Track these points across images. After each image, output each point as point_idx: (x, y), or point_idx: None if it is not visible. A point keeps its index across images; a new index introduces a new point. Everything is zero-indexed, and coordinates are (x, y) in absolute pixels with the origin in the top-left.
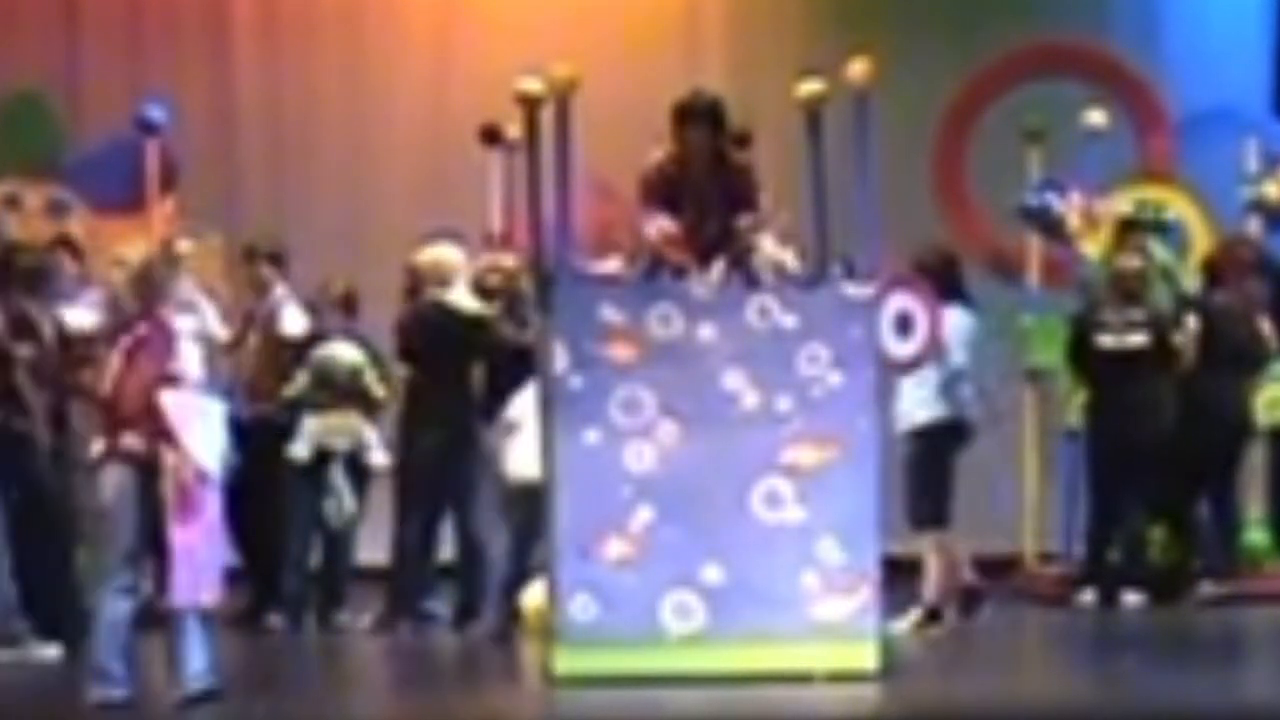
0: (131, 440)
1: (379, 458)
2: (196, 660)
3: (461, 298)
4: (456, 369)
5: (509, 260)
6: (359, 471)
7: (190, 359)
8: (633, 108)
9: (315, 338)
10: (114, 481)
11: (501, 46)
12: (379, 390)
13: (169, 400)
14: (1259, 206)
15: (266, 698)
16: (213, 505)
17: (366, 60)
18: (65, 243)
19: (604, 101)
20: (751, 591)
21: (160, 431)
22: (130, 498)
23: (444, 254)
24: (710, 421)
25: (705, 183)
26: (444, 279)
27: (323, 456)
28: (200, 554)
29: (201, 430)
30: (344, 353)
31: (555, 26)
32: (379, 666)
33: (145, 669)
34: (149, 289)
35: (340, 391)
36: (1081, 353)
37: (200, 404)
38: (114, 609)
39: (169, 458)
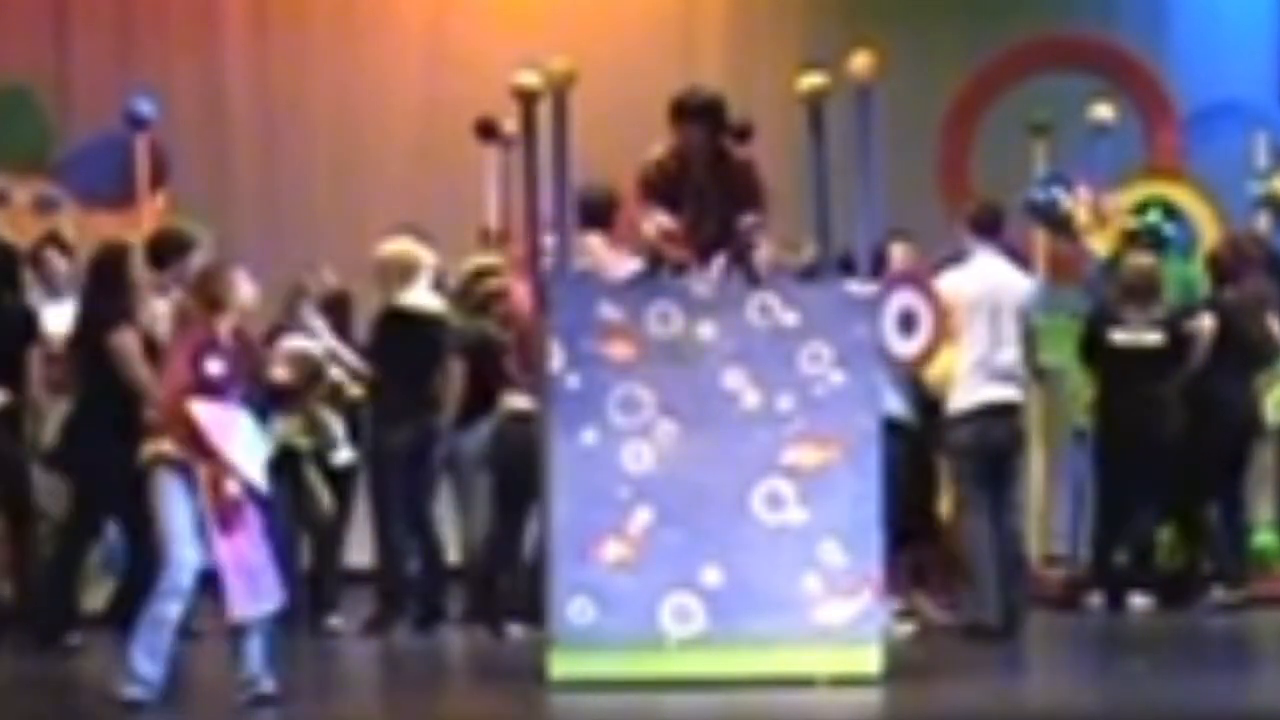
0: (169, 447)
1: (343, 456)
2: (256, 664)
3: (422, 297)
4: (418, 369)
5: (492, 259)
6: (335, 470)
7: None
8: (631, 101)
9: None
10: (160, 486)
11: (497, 40)
12: (352, 389)
13: (201, 412)
14: (1268, 202)
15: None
16: (256, 514)
17: (359, 54)
18: (54, 239)
19: (602, 95)
20: (752, 594)
21: (193, 441)
22: (179, 502)
23: (406, 250)
24: (710, 421)
25: (705, 179)
26: (405, 276)
27: (288, 454)
28: (252, 564)
29: (243, 442)
30: (303, 347)
31: (551, 19)
32: (374, 669)
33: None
34: (205, 294)
35: (302, 388)
36: (1095, 351)
37: (234, 416)
38: (159, 610)
39: (204, 470)
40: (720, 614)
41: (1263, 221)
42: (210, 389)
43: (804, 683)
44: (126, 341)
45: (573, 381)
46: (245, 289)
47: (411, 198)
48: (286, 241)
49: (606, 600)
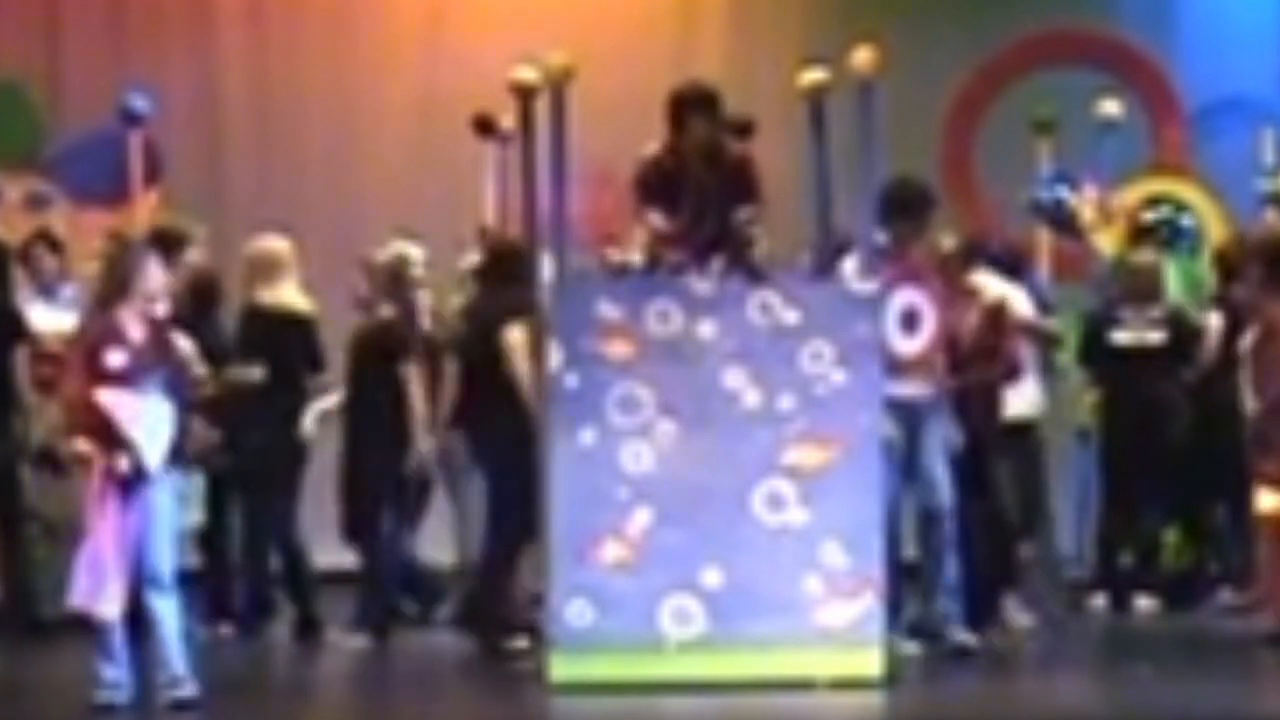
0: (84, 445)
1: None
2: (177, 665)
3: (286, 295)
4: (284, 370)
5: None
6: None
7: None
8: (630, 97)
9: None
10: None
11: (494, 35)
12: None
13: (107, 399)
14: (1275, 199)
15: (260, 703)
16: (139, 510)
17: (355, 48)
18: (44, 237)
19: (600, 91)
20: (753, 596)
21: (101, 430)
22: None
23: (269, 246)
24: (710, 421)
25: (703, 175)
26: (268, 274)
27: None
28: (105, 561)
29: (147, 427)
30: None
31: (549, 14)
32: (372, 670)
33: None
34: (112, 277)
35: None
36: (1095, 351)
37: (141, 403)
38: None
39: (99, 456)
40: (720, 616)
41: (1270, 219)
42: (114, 381)
43: (805, 685)
44: (518, 337)
45: (571, 380)
46: (156, 276)
47: (407, 194)
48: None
49: (605, 602)
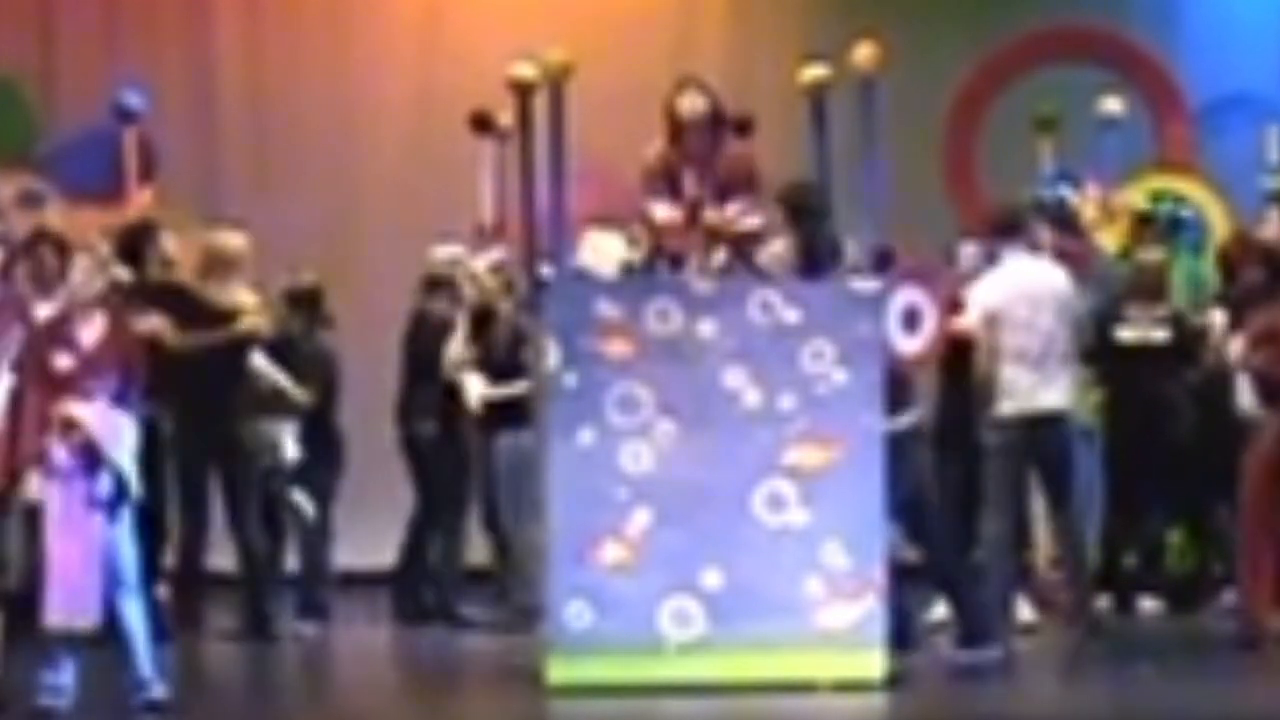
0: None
1: (289, 453)
2: (145, 668)
3: (236, 295)
4: (218, 371)
5: (497, 254)
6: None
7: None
8: (629, 94)
9: None
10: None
11: (492, 31)
12: (297, 395)
13: (83, 413)
14: None
15: (258, 703)
16: (102, 526)
17: (352, 45)
18: (48, 235)
19: (599, 87)
20: (753, 597)
21: (80, 444)
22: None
23: (220, 242)
24: (710, 421)
25: (704, 165)
26: (217, 271)
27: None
28: (77, 576)
29: (126, 445)
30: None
31: (548, 10)
32: (371, 672)
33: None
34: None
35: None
36: (1100, 349)
37: (118, 418)
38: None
39: (63, 466)
40: (720, 617)
41: (1274, 217)
42: (63, 386)
43: (806, 688)
44: None
45: (570, 380)
46: (81, 273)
47: (405, 192)
48: (278, 237)
49: (605, 603)
